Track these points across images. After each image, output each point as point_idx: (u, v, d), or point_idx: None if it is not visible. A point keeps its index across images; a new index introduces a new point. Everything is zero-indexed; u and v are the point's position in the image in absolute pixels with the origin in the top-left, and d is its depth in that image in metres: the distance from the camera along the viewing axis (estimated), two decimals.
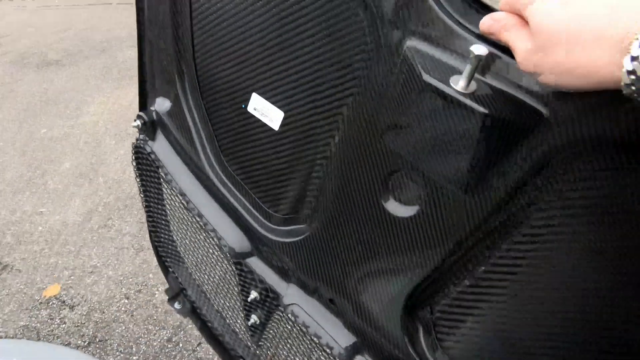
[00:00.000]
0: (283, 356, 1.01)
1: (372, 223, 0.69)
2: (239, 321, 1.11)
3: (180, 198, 1.05)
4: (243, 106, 0.84)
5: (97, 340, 1.99)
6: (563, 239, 0.52)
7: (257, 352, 1.09)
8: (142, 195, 1.21)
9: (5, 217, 2.66)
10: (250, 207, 0.94)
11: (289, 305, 0.90)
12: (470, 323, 0.66)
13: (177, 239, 1.21)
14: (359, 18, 0.60)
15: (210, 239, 1.03)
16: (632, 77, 0.32)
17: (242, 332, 1.12)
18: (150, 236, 1.29)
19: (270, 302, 0.96)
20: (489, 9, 0.51)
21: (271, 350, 1.04)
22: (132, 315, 2.08)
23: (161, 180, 1.12)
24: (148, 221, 1.26)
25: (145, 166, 1.14)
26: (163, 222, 1.22)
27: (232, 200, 0.96)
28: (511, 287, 0.58)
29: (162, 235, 1.24)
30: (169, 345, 1.95)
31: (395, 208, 0.65)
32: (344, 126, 0.68)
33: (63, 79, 4.11)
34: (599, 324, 0.54)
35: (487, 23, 0.47)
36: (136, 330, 2.02)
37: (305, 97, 0.72)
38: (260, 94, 0.80)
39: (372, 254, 0.72)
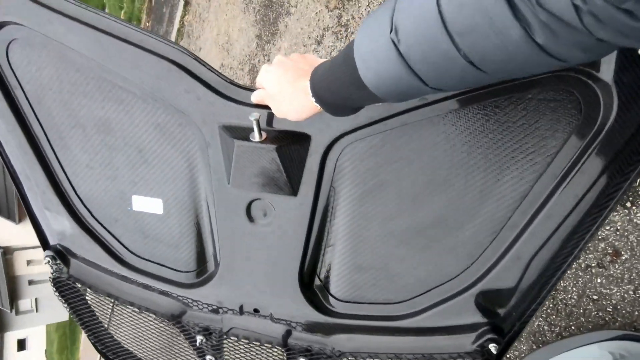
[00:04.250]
0: None
1: (253, 241, 1.02)
2: None
3: (110, 300, 1.22)
4: (129, 209, 1.09)
5: None
6: (357, 202, 0.93)
7: None
8: (76, 318, 1.31)
9: None
10: (169, 277, 1.17)
11: (229, 329, 1.17)
12: (345, 270, 1.01)
13: (119, 337, 1.35)
14: (192, 133, 0.96)
15: (147, 318, 1.23)
16: (314, 99, 0.68)
17: None
18: (96, 348, 1.38)
19: (214, 336, 1.20)
20: (251, 89, 0.85)
21: None
22: None
23: (87, 296, 1.25)
24: (88, 337, 1.36)
25: (69, 291, 1.26)
26: (101, 331, 1.34)
27: (152, 281, 1.17)
28: (352, 234, 0.97)
29: (106, 342, 1.36)
30: None
31: (261, 224, 0.99)
32: (210, 193, 1.00)
33: None
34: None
35: (254, 97, 0.82)
36: None
37: (172, 189, 1.04)
38: (139, 194, 1.05)
39: (263, 261, 1.04)
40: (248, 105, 0.87)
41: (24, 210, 1.18)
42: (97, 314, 1.30)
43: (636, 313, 1.85)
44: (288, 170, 0.88)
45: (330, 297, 1.06)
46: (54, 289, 1.27)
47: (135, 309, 1.22)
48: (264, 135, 0.85)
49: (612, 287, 1.92)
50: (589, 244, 1.96)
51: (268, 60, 4.14)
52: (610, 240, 1.91)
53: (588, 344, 1.75)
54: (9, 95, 1.01)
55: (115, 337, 1.35)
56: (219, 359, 1.25)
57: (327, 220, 0.97)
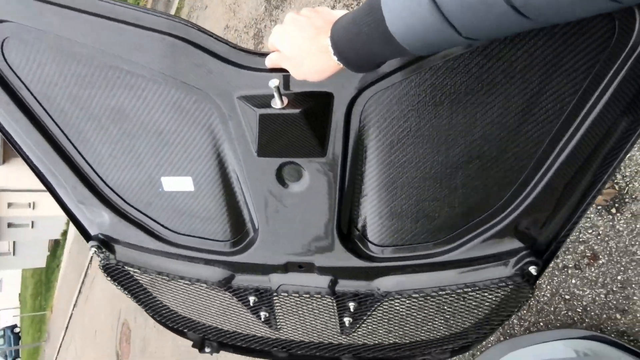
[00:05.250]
0: (299, 323, 1.35)
1: (287, 203, 1.02)
2: (255, 326, 1.42)
3: (161, 277, 1.28)
4: (160, 190, 1.09)
5: None
6: (386, 151, 0.92)
7: (277, 335, 1.42)
8: (132, 298, 1.39)
9: None
10: (212, 248, 1.19)
11: (278, 287, 1.23)
12: (381, 217, 1.03)
13: (176, 307, 1.43)
14: (209, 109, 0.93)
15: (199, 287, 1.29)
16: (335, 57, 0.65)
17: (262, 331, 1.42)
18: (156, 320, 1.49)
19: (266, 295, 1.27)
20: (264, 54, 0.80)
21: (288, 324, 1.38)
22: None
23: (137, 276, 1.32)
24: (147, 312, 1.45)
25: (120, 275, 1.31)
26: (157, 304, 1.43)
27: (196, 254, 1.21)
28: (385, 182, 0.97)
29: (164, 313, 1.46)
30: None
31: (294, 187, 1.00)
32: (238, 164, 0.99)
33: None
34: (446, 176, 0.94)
35: (268, 61, 0.78)
36: None
37: (200, 165, 1.03)
38: (167, 175, 1.05)
39: (300, 220, 1.06)
40: (263, 71, 0.83)
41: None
42: (147, 286, 1.36)
43: (604, 316, 1.90)
44: (314, 132, 0.87)
45: (369, 244, 1.09)
46: (106, 276, 1.31)
47: (187, 282, 1.27)
48: (286, 100, 0.82)
49: (585, 289, 1.96)
50: (570, 246, 2.00)
51: (275, 26, 4.06)
52: (590, 243, 1.95)
53: (554, 340, 1.80)
54: (16, 97, 0.98)
55: (171, 307, 1.43)
56: (272, 313, 1.34)
57: (358, 172, 0.97)
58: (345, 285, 1.19)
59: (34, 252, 21.21)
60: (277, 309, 1.33)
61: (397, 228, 1.05)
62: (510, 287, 1.06)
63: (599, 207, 1.92)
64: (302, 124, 0.84)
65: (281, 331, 1.41)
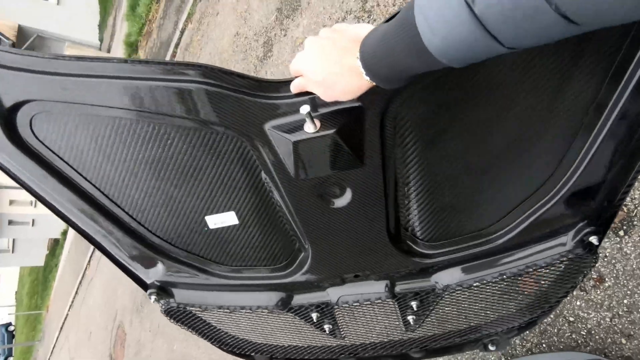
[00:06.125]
0: (363, 328, 1.37)
1: (333, 218, 1.02)
2: (321, 338, 1.45)
3: (222, 310, 1.32)
4: (206, 229, 1.11)
5: None
6: (425, 151, 0.92)
7: (344, 343, 1.46)
8: (198, 335, 1.44)
9: None
10: (266, 274, 1.21)
11: (338, 299, 1.25)
12: (428, 214, 1.03)
13: (240, 335, 1.49)
14: (241, 143, 0.92)
15: (261, 313, 1.32)
16: (367, 77, 0.65)
17: (328, 341, 1.47)
18: (223, 349, 1.55)
19: (327, 309, 1.29)
20: (287, 81, 0.80)
21: (352, 331, 1.41)
22: None
23: (199, 314, 1.36)
24: (214, 344, 1.49)
25: (183, 316, 1.35)
26: (223, 335, 1.48)
27: (252, 281, 1.23)
28: (427, 181, 0.97)
29: (230, 342, 1.52)
30: None
31: (337, 202, 0.99)
32: (278, 190, 0.98)
33: None
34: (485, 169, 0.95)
35: (294, 87, 0.77)
36: None
37: (240, 199, 1.04)
38: (211, 214, 1.07)
39: (349, 231, 1.06)
40: (288, 98, 0.83)
41: None
42: (210, 321, 1.39)
43: (609, 340, 1.86)
44: (350, 146, 0.87)
45: (421, 242, 1.10)
46: (170, 320, 1.33)
47: (248, 311, 1.29)
48: (318, 123, 0.81)
49: (590, 311, 1.93)
50: None
51: (285, 35, 4.08)
52: (596, 265, 1.92)
53: None
54: (53, 169, 0.99)
55: (236, 336, 1.47)
56: (335, 324, 1.36)
57: (399, 175, 0.97)
58: (404, 286, 1.21)
59: (33, 250, 21.17)
60: (340, 320, 1.35)
61: (446, 222, 1.05)
62: (572, 259, 1.05)
63: None
64: (337, 143, 0.84)
65: (346, 339, 1.45)
